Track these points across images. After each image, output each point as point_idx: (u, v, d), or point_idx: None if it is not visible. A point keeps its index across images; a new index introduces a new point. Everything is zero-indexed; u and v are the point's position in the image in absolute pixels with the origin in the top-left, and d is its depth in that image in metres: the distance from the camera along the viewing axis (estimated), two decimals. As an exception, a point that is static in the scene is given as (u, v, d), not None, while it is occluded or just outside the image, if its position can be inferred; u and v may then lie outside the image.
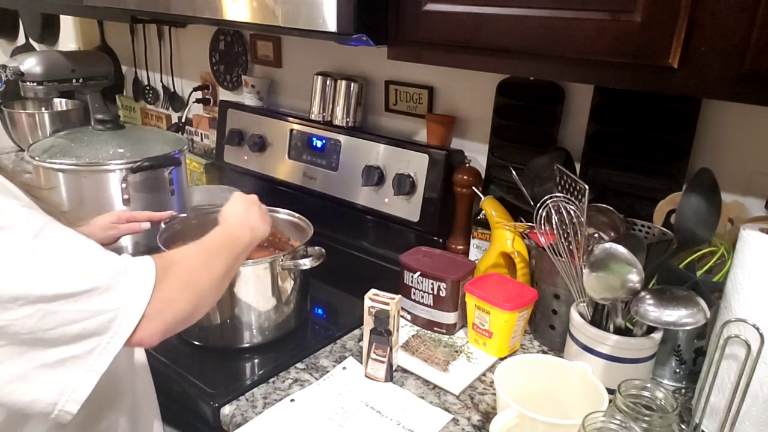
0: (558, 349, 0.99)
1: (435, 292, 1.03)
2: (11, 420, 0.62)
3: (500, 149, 1.22)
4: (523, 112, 1.17)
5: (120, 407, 0.77)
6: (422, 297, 1.05)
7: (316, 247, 1.02)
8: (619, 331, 0.84)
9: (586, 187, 0.85)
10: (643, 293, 0.78)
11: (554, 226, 0.87)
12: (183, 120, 1.88)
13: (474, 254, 1.23)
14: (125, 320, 0.60)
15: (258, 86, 1.61)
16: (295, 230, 1.12)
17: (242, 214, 0.86)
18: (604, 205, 0.92)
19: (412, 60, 0.94)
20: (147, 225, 1.01)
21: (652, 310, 0.77)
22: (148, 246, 1.25)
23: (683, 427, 0.82)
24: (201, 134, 1.90)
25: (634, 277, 0.78)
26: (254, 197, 0.92)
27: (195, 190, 1.56)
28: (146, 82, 2.03)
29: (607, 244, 0.79)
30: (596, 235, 0.90)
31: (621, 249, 0.78)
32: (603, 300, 0.82)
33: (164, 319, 0.63)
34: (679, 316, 0.75)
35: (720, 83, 0.66)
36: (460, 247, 1.25)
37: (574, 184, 0.88)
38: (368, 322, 0.90)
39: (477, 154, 1.27)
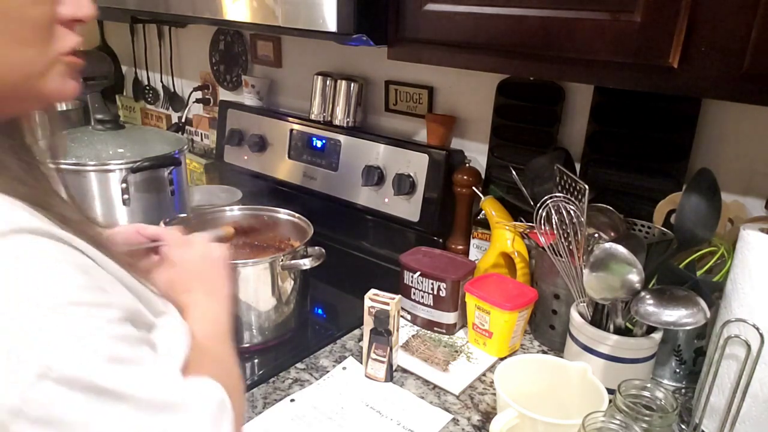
0: (558, 349, 0.99)
1: (435, 292, 1.03)
2: None
3: (500, 149, 1.22)
4: (523, 112, 1.17)
5: None
6: (422, 297, 1.05)
7: (316, 247, 1.02)
8: (619, 331, 0.84)
9: (586, 187, 0.85)
10: (643, 293, 0.78)
11: (554, 226, 0.87)
12: (183, 120, 1.88)
13: (474, 254, 1.23)
14: None
15: (258, 86, 1.61)
16: (295, 230, 1.12)
17: (216, 290, 0.66)
18: (604, 205, 0.92)
19: (412, 60, 0.94)
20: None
21: (652, 310, 0.77)
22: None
23: (683, 427, 0.82)
24: (201, 134, 1.90)
25: (634, 277, 0.78)
26: (205, 251, 0.71)
27: (195, 190, 1.56)
28: (146, 82, 2.03)
29: (607, 244, 0.79)
30: (596, 235, 0.90)
31: (621, 249, 0.78)
32: (603, 300, 0.82)
33: None
34: (679, 316, 0.75)
35: (720, 83, 0.66)
36: (460, 247, 1.25)
37: (574, 184, 0.88)
38: (368, 322, 0.90)
39: (477, 154, 1.27)
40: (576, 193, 0.87)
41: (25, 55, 0.44)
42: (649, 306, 0.77)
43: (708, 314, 0.74)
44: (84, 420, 0.38)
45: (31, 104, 0.50)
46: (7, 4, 0.43)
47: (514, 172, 1.07)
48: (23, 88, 0.46)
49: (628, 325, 0.85)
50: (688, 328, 0.77)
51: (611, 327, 0.85)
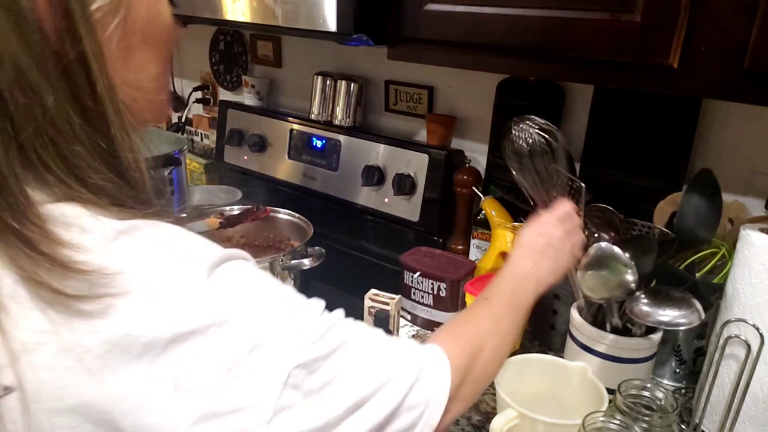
0: (558, 350, 0.99)
1: (435, 292, 1.03)
2: None
3: (500, 149, 1.21)
4: (523, 112, 1.15)
5: None
6: (422, 297, 1.05)
7: (316, 247, 1.02)
8: (619, 331, 0.84)
9: (583, 185, 0.84)
10: (638, 293, 0.78)
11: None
12: (183, 120, 1.88)
13: (474, 254, 1.23)
14: (434, 410, 0.50)
15: (258, 86, 1.61)
16: (295, 230, 1.12)
17: (532, 260, 0.69)
18: (604, 205, 0.92)
19: (412, 60, 0.94)
20: None
21: (646, 310, 0.77)
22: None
23: (683, 427, 0.82)
24: (201, 134, 1.90)
25: (630, 277, 0.78)
26: (571, 229, 0.74)
27: (195, 190, 1.56)
28: (146, 82, 2.03)
29: (603, 244, 0.79)
30: (596, 235, 0.90)
31: (616, 249, 0.78)
32: (599, 299, 0.83)
33: (463, 403, 0.55)
34: (674, 316, 0.75)
35: (720, 83, 0.66)
36: (460, 247, 1.25)
37: (570, 183, 0.87)
38: (368, 322, 0.90)
39: (477, 154, 1.27)
40: (572, 192, 0.87)
41: (160, 71, 0.47)
42: (643, 306, 0.77)
43: (702, 315, 0.74)
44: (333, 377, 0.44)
45: (149, 123, 0.51)
46: (162, 29, 0.45)
47: (514, 172, 1.07)
48: (154, 104, 0.47)
49: (628, 324, 0.85)
50: (682, 328, 0.77)
51: (608, 326, 0.85)
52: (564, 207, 0.75)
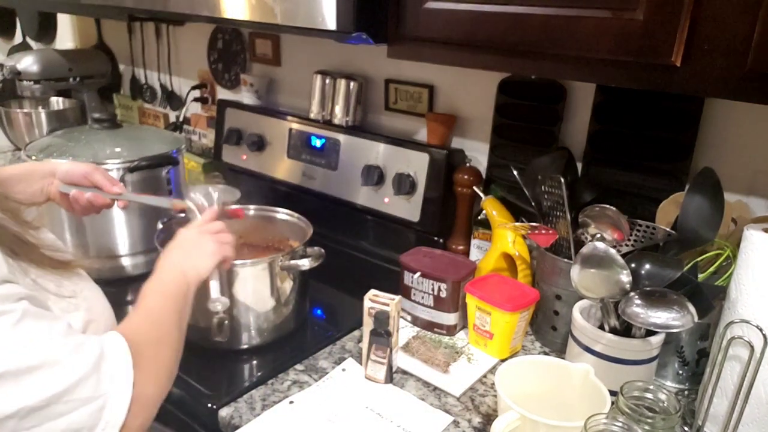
0: (559, 351, 0.98)
1: (435, 293, 1.03)
2: None
3: (501, 148, 1.21)
4: (525, 110, 1.16)
5: None
6: (422, 298, 1.04)
7: (316, 248, 1.01)
8: (618, 332, 0.83)
9: (561, 179, 0.84)
10: (632, 294, 0.78)
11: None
12: (181, 119, 1.88)
13: (475, 254, 1.22)
14: (115, 407, 0.55)
15: (257, 85, 1.60)
16: (295, 230, 1.11)
17: (177, 256, 0.78)
18: (607, 206, 0.91)
19: (412, 58, 0.93)
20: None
21: (639, 312, 0.77)
22: (146, 248, 1.25)
23: (686, 429, 0.81)
24: (199, 133, 1.89)
25: (624, 278, 0.78)
26: (203, 229, 0.83)
27: (193, 190, 1.55)
28: (144, 81, 2.02)
29: (598, 243, 0.79)
30: (598, 235, 0.90)
31: (610, 249, 0.78)
32: (593, 299, 0.82)
33: (148, 405, 0.60)
34: (667, 318, 0.75)
35: (723, 82, 0.66)
36: (461, 247, 1.24)
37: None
38: (368, 323, 0.89)
39: (478, 154, 1.26)
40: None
41: None
42: (636, 307, 0.77)
43: (696, 318, 0.74)
44: None
45: None
46: None
47: (515, 172, 1.07)
48: None
49: (630, 325, 0.85)
50: (674, 330, 0.77)
51: (606, 327, 0.84)
52: (182, 231, 0.84)
